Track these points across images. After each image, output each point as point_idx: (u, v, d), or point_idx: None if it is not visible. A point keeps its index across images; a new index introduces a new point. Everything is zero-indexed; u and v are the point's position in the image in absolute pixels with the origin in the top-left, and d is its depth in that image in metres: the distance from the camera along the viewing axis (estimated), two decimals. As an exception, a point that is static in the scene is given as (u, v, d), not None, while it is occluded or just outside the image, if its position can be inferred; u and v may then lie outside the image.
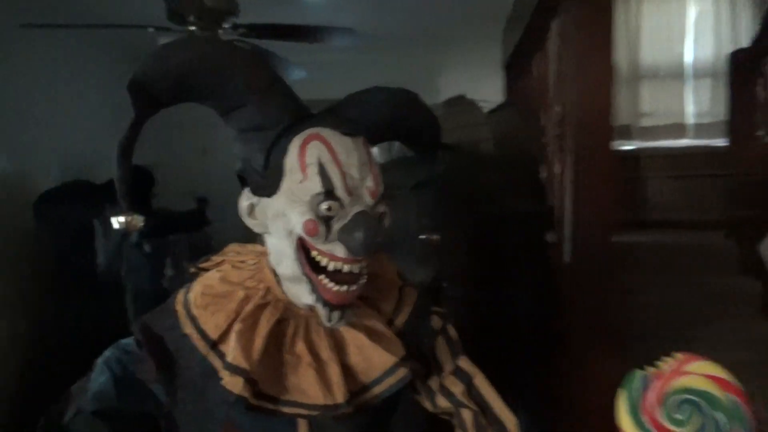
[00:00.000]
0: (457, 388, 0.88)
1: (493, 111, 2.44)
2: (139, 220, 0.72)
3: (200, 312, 0.77)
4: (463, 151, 2.06)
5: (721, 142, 3.50)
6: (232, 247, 0.88)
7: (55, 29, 2.75)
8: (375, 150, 0.82)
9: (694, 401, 0.65)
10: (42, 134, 3.07)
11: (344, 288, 0.74)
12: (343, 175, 0.73)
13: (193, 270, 0.87)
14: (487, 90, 3.31)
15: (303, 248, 0.74)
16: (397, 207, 0.83)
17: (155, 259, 2.96)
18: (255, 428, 0.77)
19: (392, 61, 4.51)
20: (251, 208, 0.78)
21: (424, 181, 0.99)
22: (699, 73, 4.12)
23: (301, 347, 0.77)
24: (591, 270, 1.80)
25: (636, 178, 3.97)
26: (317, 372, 0.76)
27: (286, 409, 0.75)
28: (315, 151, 0.73)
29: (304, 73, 3.33)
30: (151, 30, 2.73)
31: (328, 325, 0.76)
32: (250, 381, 0.72)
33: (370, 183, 0.75)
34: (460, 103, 2.24)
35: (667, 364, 0.66)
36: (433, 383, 0.90)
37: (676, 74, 4.13)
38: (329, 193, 0.72)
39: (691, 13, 4.13)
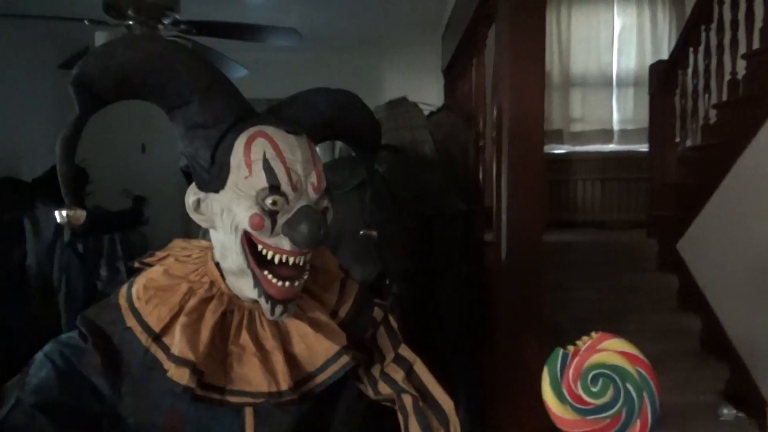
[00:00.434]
0: (398, 374, 0.92)
1: (433, 113, 2.52)
2: (82, 215, 0.71)
3: (142, 305, 0.78)
4: (405, 151, 2.13)
5: (643, 147, 3.73)
6: (178, 243, 0.89)
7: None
8: (318, 149, 0.85)
9: (608, 375, 0.73)
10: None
11: (287, 284, 0.76)
12: (288, 171, 0.75)
13: (137, 265, 0.87)
14: (428, 93, 3.40)
15: (249, 243, 0.76)
16: (340, 204, 0.86)
17: (89, 259, 2.86)
18: (201, 418, 0.78)
19: (335, 62, 4.55)
20: (197, 203, 0.80)
21: (366, 180, 1.03)
22: (624, 82, 4.35)
23: (245, 338, 0.79)
24: (525, 267, 1.89)
25: (566, 181, 4.17)
26: (261, 361, 0.77)
27: (232, 399, 0.77)
28: (260, 147, 0.75)
29: (246, 72, 3.31)
30: (86, 23, 2.64)
31: (271, 318, 0.78)
32: (196, 372, 0.73)
33: (313, 179, 0.78)
34: (401, 105, 2.30)
35: (583, 342, 0.73)
36: (376, 371, 0.93)
37: (603, 83, 4.35)
38: (274, 188, 0.74)
39: (617, 25, 4.37)
